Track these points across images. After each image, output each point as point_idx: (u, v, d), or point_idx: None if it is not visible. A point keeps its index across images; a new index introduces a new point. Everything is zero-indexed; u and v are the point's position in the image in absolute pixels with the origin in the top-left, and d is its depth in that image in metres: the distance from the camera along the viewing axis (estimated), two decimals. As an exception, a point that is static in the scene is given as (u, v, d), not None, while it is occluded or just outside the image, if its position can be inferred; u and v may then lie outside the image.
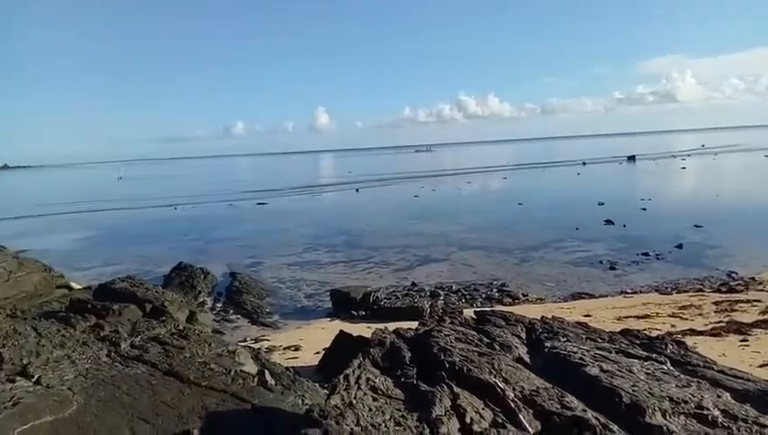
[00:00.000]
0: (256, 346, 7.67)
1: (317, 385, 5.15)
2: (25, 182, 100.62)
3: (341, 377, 3.31)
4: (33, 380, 4.30)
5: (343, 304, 10.72)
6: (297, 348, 8.35)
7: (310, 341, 8.70)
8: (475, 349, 3.75)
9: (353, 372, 3.34)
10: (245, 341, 8.73)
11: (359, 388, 3.06)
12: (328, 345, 7.83)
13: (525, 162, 68.21)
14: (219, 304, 11.58)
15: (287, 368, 6.05)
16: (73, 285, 9.05)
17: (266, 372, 5.13)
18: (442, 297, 11.33)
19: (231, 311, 11.02)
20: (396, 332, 4.68)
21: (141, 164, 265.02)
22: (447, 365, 3.30)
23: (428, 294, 11.63)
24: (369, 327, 9.25)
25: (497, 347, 3.91)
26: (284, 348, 8.38)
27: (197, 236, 22.15)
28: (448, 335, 4.10)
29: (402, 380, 3.28)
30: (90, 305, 6.26)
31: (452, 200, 32.11)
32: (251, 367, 5.56)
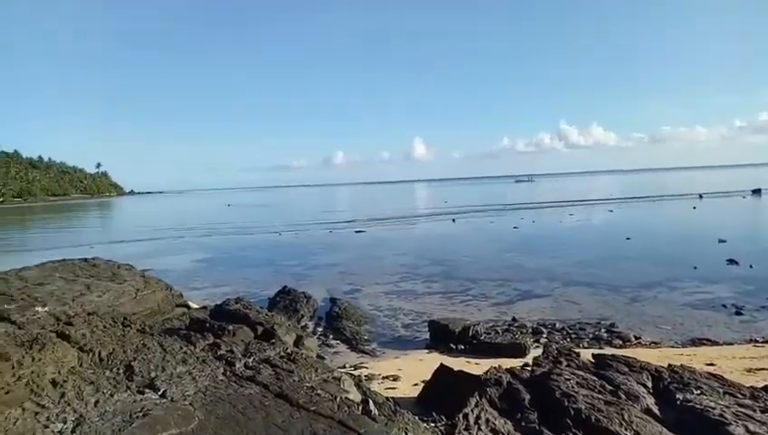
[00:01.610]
0: (356, 373, 7.71)
1: (417, 418, 5.07)
2: (148, 207, 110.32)
3: (461, 416, 3.22)
4: (159, 393, 4.59)
5: (441, 336, 10.56)
6: (396, 378, 8.31)
7: (408, 371, 8.63)
8: (599, 396, 3.50)
9: (472, 411, 3.24)
10: (345, 367, 8.82)
11: (479, 429, 2.97)
12: (427, 377, 7.70)
13: (633, 194, 64.33)
14: (320, 329, 11.85)
15: (386, 398, 6.01)
16: (191, 304, 9.68)
17: (370, 402, 5.13)
18: (545, 335, 10.82)
19: (331, 336, 11.22)
20: (511, 371, 4.49)
21: (248, 191, 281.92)
22: (572, 412, 3.11)
23: (530, 330, 11.15)
24: (468, 362, 9.04)
25: (622, 396, 3.63)
26: (383, 377, 8.36)
27: (299, 261, 22.98)
28: (569, 380, 3.87)
29: (523, 423, 3.13)
30: (207, 325, 6.64)
31: (554, 233, 30.90)
32: (355, 395, 5.58)
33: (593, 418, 2.95)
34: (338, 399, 5.03)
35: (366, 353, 10.14)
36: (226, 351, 5.75)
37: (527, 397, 3.64)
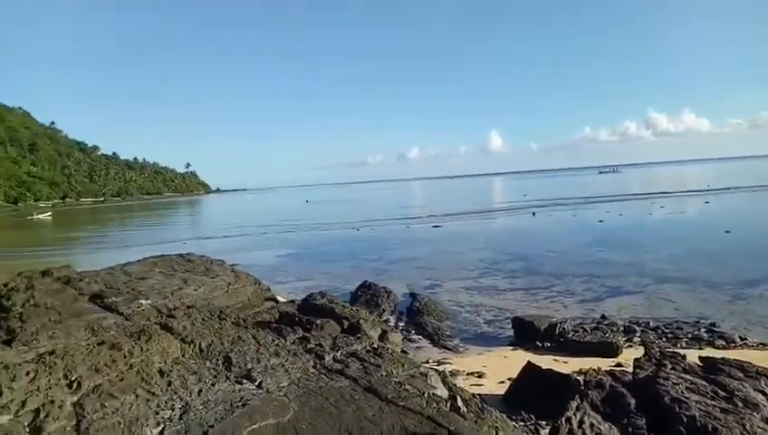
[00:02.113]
0: (441, 369, 7.67)
1: (505, 417, 4.96)
2: (233, 204, 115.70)
3: (563, 420, 3.10)
4: (256, 383, 4.78)
5: (526, 334, 10.29)
6: (480, 375, 8.19)
7: (493, 368, 8.48)
8: (713, 403, 3.26)
9: (574, 414, 3.11)
10: (428, 362, 8.80)
11: (583, 433, 2.84)
12: (512, 375, 7.56)
13: (731, 184, 59.62)
14: (401, 324, 11.91)
15: (473, 395, 5.94)
16: (279, 298, 10.03)
17: (458, 398, 5.08)
18: (638, 334, 10.25)
19: (413, 331, 11.25)
20: (611, 374, 4.29)
21: (325, 188, 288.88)
22: (685, 420, 2.91)
23: (621, 329, 10.61)
24: (555, 360, 8.75)
25: (739, 403, 3.35)
26: (467, 374, 8.27)
27: (378, 256, 23.22)
28: (677, 384, 3.63)
29: (630, 429, 2.96)
30: (296, 319, 6.85)
31: (643, 226, 29.27)
32: (442, 391, 5.54)
33: (710, 427, 2.74)
34: (426, 395, 5.03)
35: (449, 349, 10.08)
36: (315, 344, 5.89)
37: (632, 401, 3.44)
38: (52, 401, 3.99)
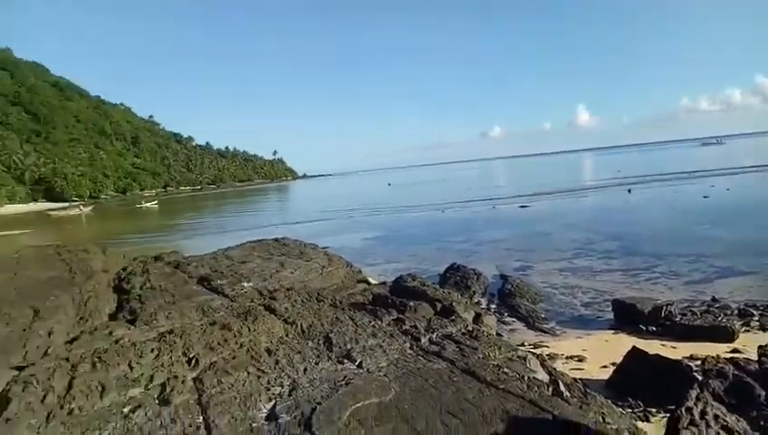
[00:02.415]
0: (538, 352, 7.50)
1: (610, 402, 4.77)
2: (318, 189, 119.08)
3: (683, 410, 2.93)
4: (356, 363, 4.91)
5: (628, 317, 9.80)
6: (581, 359, 7.93)
7: (594, 352, 8.18)
8: None
9: (695, 404, 2.92)
10: (524, 345, 8.64)
11: (707, 425, 2.66)
12: (615, 359, 7.27)
13: None
14: (493, 306, 11.75)
15: (574, 379, 5.76)
16: (370, 280, 10.22)
17: (560, 382, 4.95)
18: (756, 317, 9.44)
19: (506, 313, 11.07)
20: (734, 362, 3.99)
21: (407, 170, 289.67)
22: (833, 414, 2.65)
23: (736, 312, 9.83)
24: (663, 345, 8.28)
25: None
26: (567, 357, 8.03)
27: (464, 237, 23.00)
28: (818, 373, 3.32)
29: (762, 423, 2.74)
30: (390, 301, 6.95)
31: (757, 201, 26.78)
32: (542, 375, 5.42)
33: None
34: (526, 378, 4.93)
35: (545, 332, 9.82)
36: (411, 326, 5.94)
37: (762, 393, 3.17)
38: (176, 377, 4.33)
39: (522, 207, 34.15)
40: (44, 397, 4.08)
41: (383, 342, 5.43)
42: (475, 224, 27.76)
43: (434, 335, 5.76)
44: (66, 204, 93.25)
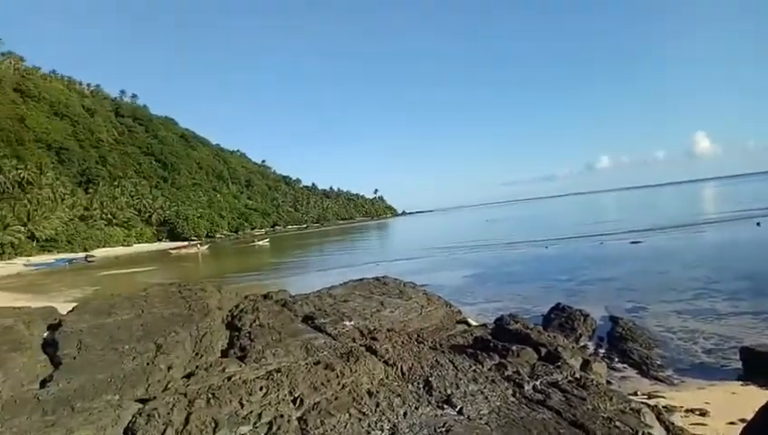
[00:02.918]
0: (652, 403, 6.94)
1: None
2: (417, 226, 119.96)
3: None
4: (457, 409, 4.85)
5: (760, 367, 8.79)
6: (703, 413, 7.21)
7: (718, 406, 7.41)
8: None
9: None
10: (636, 394, 8.03)
11: None
12: (745, 416, 6.55)
13: None
14: (602, 351, 11.05)
15: (695, 436, 5.28)
16: (470, 321, 10.07)
17: (679, 441, 4.58)
18: None
19: (616, 359, 10.36)
20: None
21: (508, 205, 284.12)
22: None
23: None
24: (804, 401, 7.34)
25: None
26: (686, 410, 7.34)
27: (569, 276, 22.00)
28: None
29: None
30: (491, 344, 6.81)
31: None
32: (659, 431, 5.04)
33: None
34: (639, 434, 4.62)
35: (661, 381, 9.06)
36: (513, 372, 5.78)
37: None
38: (282, 416, 4.54)
39: (633, 242, 32.10)
40: (164, 431, 4.44)
41: (484, 387, 5.33)
42: (581, 261, 26.48)
43: (538, 383, 5.56)
44: (185, 243, 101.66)
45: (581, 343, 11.32)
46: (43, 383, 6.60)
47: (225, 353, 7.81)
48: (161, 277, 37.39)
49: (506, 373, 5.69)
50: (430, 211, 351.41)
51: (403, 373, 5.68)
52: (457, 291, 20.22)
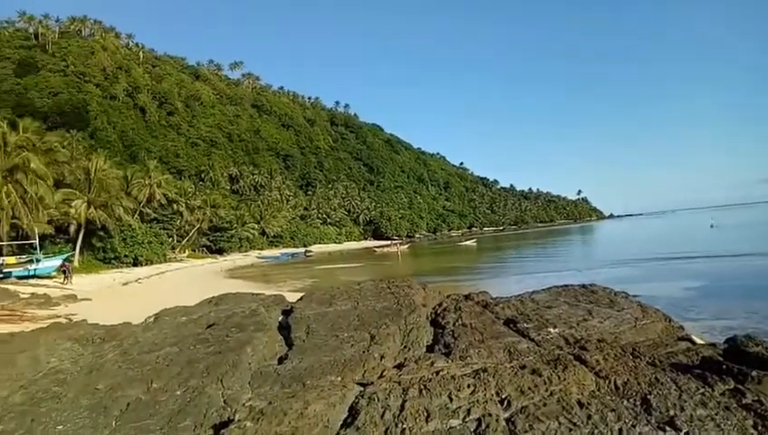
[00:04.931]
0: None
1: None
2: (627, 230, 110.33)
3: None
4: (682, 433, 4.41)
5: None
6: None
7: None
8: None
9: None
10: None
11: None
12: None
13: None
14: None
15: None
16: (695, 338, 8.98)
17: None
18: None
19: None
20: None
21: (732, 209, 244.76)
22: None
23: None
24: None
25: None
26: None
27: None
28: None
29: None
30: (724, 366, 5.99)
31: None
32: None
33: None
34: None
35: None
36: (754, 400, 5.03)
37: None
38: (490, 414, 4.62)
39: None
40: (383, 414, 4.85)
41: (716, 414, 4.74)
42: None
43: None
44: (388, 242, 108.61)
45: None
46: (281, 360, 7.70)
47: (430, 349, 8.18)
48: (368, 274, 40.54)
49: (744, 401, 4.96)
50: (641, 214, 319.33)
51: (617, 387, 5.32)
52: (676, 304, 18.11)
